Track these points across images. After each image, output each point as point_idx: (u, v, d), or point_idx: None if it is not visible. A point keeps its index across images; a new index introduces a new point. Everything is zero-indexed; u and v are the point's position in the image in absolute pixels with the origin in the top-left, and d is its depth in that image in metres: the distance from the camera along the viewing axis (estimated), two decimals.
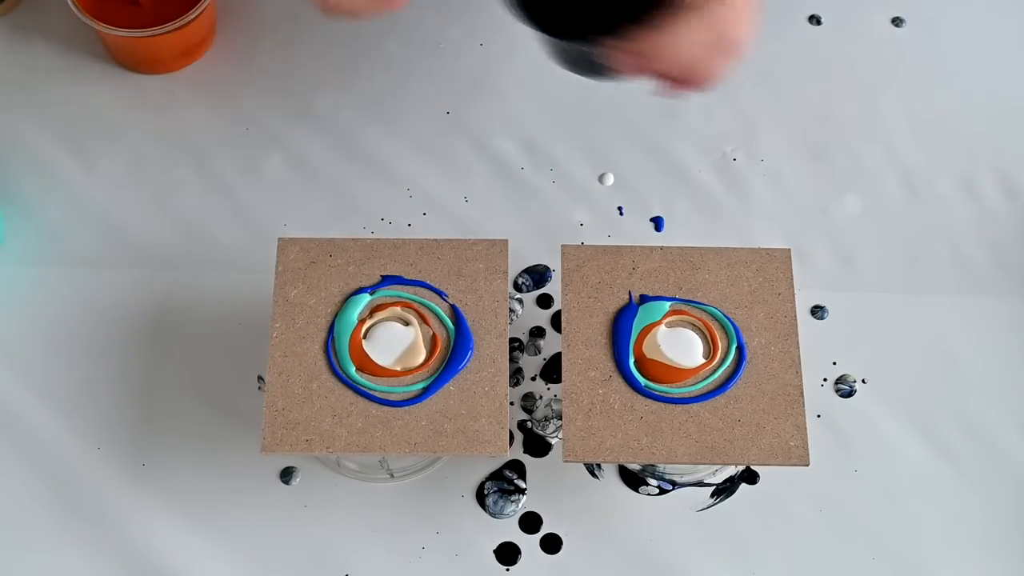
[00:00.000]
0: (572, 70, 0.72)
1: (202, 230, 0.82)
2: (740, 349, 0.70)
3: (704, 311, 0.71)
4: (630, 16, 0.63)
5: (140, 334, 0.79)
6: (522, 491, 0.75)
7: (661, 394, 0.68)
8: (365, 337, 0.70)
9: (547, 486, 0.76)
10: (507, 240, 0.72)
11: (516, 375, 0.78)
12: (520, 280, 0.81)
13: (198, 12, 0.82)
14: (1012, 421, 0.77)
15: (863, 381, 0.78)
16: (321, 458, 0.76)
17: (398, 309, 0.70)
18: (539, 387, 0.78)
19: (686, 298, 0.71)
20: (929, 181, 0.84)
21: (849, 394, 0.78)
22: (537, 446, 0.77)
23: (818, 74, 0.88)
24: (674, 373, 0.69)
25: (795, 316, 0.70)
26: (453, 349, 0.69)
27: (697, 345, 0.70)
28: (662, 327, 0.70)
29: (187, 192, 0.83)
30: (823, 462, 0.75)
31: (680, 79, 0.68)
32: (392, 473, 0.75)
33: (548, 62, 0.87)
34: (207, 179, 0.84)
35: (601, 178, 0.84)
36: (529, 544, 0.74)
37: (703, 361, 0.69)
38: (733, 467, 0.76)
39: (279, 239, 0.72)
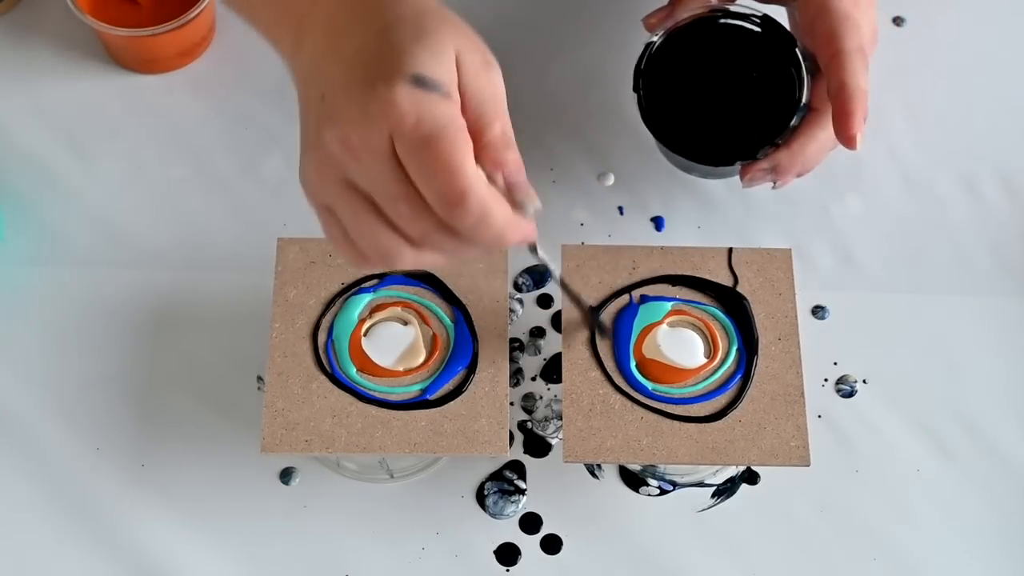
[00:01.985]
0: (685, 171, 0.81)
1: (202, 230, 0.82)
2: (741, 350, 0.69)
3: (705, 311, 0.71)
4: (773, 143, 0.73)
5: (139, 334, 0.79)
6: (522, 491, 0.75)
7: (662, 394, 0.68)
8: (365, 337, 0.69)
9: (547, 486, 0.76)
10: None
11: (516, 375, 0.78)
12: (520, 280, 0.81)
13: (197, 11, 0.82)
14: (1014, 421, 0.77)
15: (864, 381, 0.78)
16: (321, 458, 0.76)
17: (398, 309, 0.70)
18: (539, 387, 0.78)
19: (686, 298, 0.71)
20: (930, 180, 0.84)
21: (850, 394, 0.78)
22: (537, 446, 0.77)
23: None
24: (675, 373, 0.69)
25: (796, 316, 0.70)
26: (453, 349, 0.69)
27: (698, 345, 0.70)
28: (663, 327, 0.70)
29: (186, 191, 0.83)
30: (824, 462, 0.75)
31: (801, 174, 0.75)
32: (392, 473, 0.75)
33: (547, 60, 0.87)
34: (206, 178, 0.83)
35: (601, 178, 0.84)
36: (529, 545, 0.74)
37: (704, 361, 0.69)
38: (734, 467, 0.76)
39: (279, 239, 0.72)
